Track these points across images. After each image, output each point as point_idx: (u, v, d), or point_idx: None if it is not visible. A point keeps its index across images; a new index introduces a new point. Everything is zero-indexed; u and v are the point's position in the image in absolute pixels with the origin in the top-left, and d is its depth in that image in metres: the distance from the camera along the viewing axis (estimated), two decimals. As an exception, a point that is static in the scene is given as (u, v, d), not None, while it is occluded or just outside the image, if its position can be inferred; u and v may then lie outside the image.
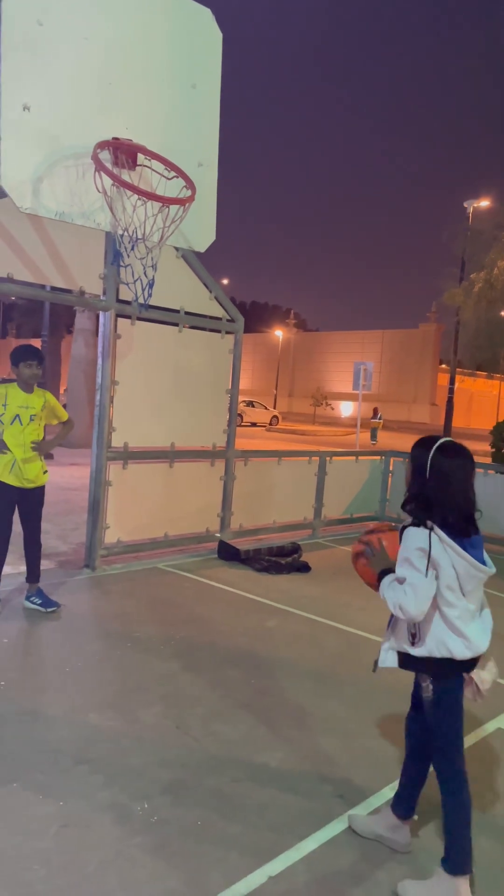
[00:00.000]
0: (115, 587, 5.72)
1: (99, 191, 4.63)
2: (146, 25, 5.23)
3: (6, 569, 5.24)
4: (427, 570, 2.37)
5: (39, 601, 4.98)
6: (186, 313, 6.57)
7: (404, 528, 2.49)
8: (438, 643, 2.45)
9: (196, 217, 5.71)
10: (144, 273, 5.16)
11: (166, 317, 6.42)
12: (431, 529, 2.38)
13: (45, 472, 4.99)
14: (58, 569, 6.12)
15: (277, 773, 3.21)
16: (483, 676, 2.52)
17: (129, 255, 5.09)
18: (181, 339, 6.58)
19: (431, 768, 2.66)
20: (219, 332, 6.92)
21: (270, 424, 36.96)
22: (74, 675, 4.02)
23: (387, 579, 2.53)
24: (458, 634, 2.44)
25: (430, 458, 2.44)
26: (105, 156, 4.82)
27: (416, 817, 2.79)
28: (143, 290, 5.11)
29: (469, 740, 3.61)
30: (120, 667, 4.22)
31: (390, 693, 4.13)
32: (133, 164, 4.97)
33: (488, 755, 3.56)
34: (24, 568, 5.08)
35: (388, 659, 2.61)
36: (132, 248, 4.99)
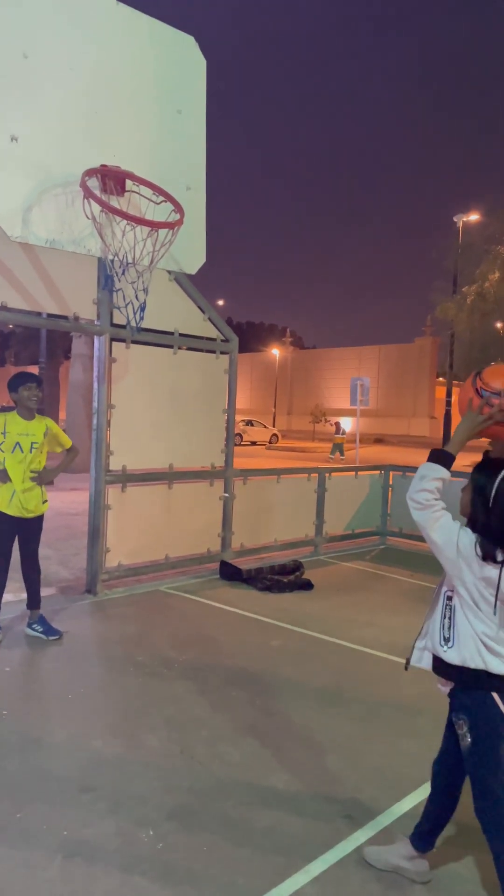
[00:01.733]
0: (118, 611, 5.69)
1: (88, 217, 4.68)
2: (131, 54, 5.33)
3: (7, 596, 5.23)
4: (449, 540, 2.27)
5: (41, 629, 4.96)
6: (181, 335, 6.61)
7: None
8: (473, 653, 2.33)
9: (186, 240, 5.76)
10: (136, 296, 5.20)
11: (161, 339, 6.46)
12: (502, 565, 2.24)
13: (45, 501, 4.97)
14: (59, 595, 6.09)
15: (284, 794, 3.17)
16: None
17: (120, 280, 5.13)
18: (176, 361, 6.61)
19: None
20: (213, 352, 6.95)
21: (270, 443, 36.99)
22: (77, 702, 3.99)
23: (427, 467, 2.36)
24: (492, 652, 2.32)
25: (495, 487, 2.26)
26: (94, 183, 4.88)
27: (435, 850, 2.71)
28: (136, 313, 5.14)
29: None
30: (123, 692, 4.18)
31: (397, 709, 4.10)
32: (122, 191, 5.03)
33: None
34: (25, 595, 5.06)
35: (423, 659, 2.51)
36: (123, 273, 5.03)
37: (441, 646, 2.41)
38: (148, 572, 6.61)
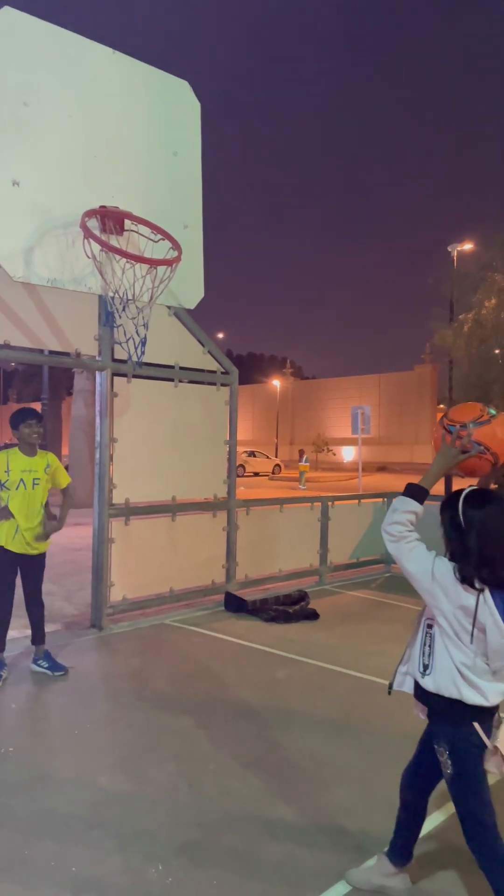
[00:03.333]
0: (123, 646, 5.68)
1: (88, 257, 4.80)
2: (127, 100, 5.52)
3: (13, 632, 5.23)
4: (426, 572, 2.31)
5: (47, 665, 4.94)
6: (181, 368, 6.69)
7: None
8: (448, 682, 2.36)
9: (185, 276, 5.88)
10: (136, 332, 5.29)
11: (162, 373, 6.54)
12: (482, 592, 2.26)
13: (48, 539, 4.99)
14: (64, 630, 6.08)
15: (293, 827, 3.14)
16: (501, 737, 2.36)
17: (121, 316, 5.23)
18: (177, 394, 6.69)
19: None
20: (214, 384, 7.03)
21: (273, 473, 37.00)
22: (84, 738, 3.97)
23: (400, 500, 2.45)
24: (468, 683, 2.34)
25: (461, 511, 2.32)
26: (93, 223, 5.01)
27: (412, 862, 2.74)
28: (137, 348, 5.23)
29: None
30: (130, 727, 4.16)
31: (406, 738, 4.05)
32: (121, 230, 5.16)
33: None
34: (30, 631, 5.06)
35: (406, 683, 2.56)
36: (124, 309, 5.14)
37: (420, 672, 2.46)
38: (152, 605, 6.59)
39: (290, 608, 6.70)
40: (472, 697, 2.34)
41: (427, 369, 49.78)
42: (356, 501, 9.02)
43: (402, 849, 2.71)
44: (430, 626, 2.44)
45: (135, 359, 5.36)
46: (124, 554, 6.25)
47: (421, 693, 2.49)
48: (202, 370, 6.92)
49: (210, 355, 6.95)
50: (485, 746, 2.36)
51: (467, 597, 2.28)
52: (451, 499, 2.40)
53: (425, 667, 2.43)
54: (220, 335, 59.52)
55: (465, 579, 2.28)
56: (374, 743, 4.02)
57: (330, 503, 8.48)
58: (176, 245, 5.20)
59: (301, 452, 29.09)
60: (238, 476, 26.42)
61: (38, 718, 4.28)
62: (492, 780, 2.48)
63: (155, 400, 6.50)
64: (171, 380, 6.63)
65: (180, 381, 6.71)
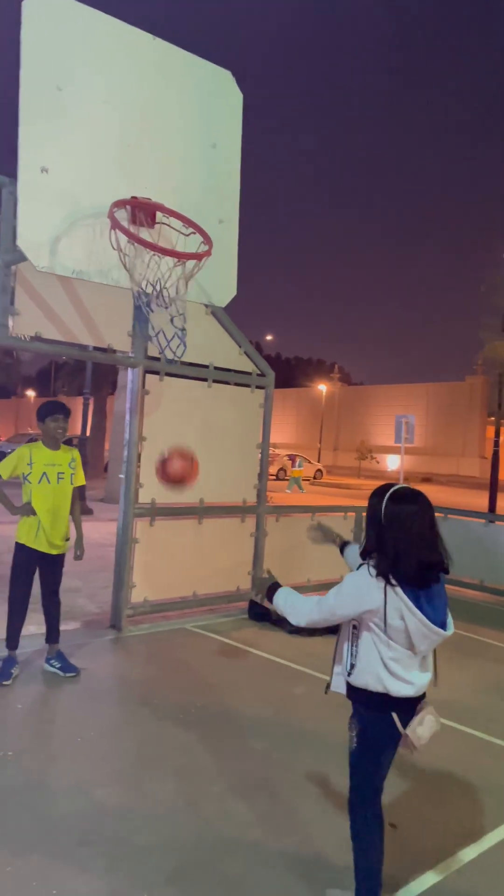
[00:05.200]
0: (140, 649, 5.55)
1: (114, 248, 4.67)
2: (166, 88, 5.39)
3: (30, 628, 5.17)
4: (351, 609, 2.43)
5: (59, 665, 4.84)
6: (216, 368, 6.55)
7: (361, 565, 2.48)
8: (375, 678, 2.44)
9: (218, 273, 5.73)
10: (171, 328, 5.16)
11: (195, 372, 6.41)
12: (389, 583, 2.35)
13: (67, 539, 4.89)
14: (83, 629, 5.99)
15: (294, 859, 2.94)
16: (419, 733, 2.47)
17: (150, 311, 5.12)
18: (210, 395, 6.54)
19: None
20: (249, 386, 6.87)
21: (314, 478, 36.67)
22: (87, 745, 3.84)
23: (282, 593, 2.68)
24: (394, 676, 2.42)
25: (383, 506, 2.41)
26: (123, 214, 4.89)
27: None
28: (167, 344, 5.09)
29: (475, 849, 3.30)
30: (135, 736, 4.02)
31: (425, 773, 3.83)
32: (152, 222, 5.03)
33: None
34: (37, 630, 4.96)
35: (339, 684, 2.61)
36: (148, 304, 5.01)
37: (347, 670, 2.54)
38: (174, 609, 6.46)
39: (316, 620, 6.47)
40: (398, 690, 2.43)
41: (478, 381, 48.72)
42: (392, 513, 8.72)
43: None
44: (355, 627, 2.51)
45: (169, 356, 5.22)
46: (148, 555, 6.13)
47: (350, 690, 2.55)
48: (237, 371, 6.77)
49: (246, 356, 6.80)
50: (398, 734, 2.46)
51: (380, 597, 2.36)
52: (378, 492, 2.49)
53: (352, 666, 2.51)
54: (269, 337, 59.54)
55: (380, 573, 2.36)
56: (391, 772, 3.78)
57: (364, 514, 8.20)
58: (207, 239, 5.04)
59: (293, 458, 27.97)
60: (278, 479, 26.13)
61: (42, 721, 4.17)
62: None
63: (187, 399, 6.37)
64: (205, 379, 6.49)
65: (214, 382, 6.56)
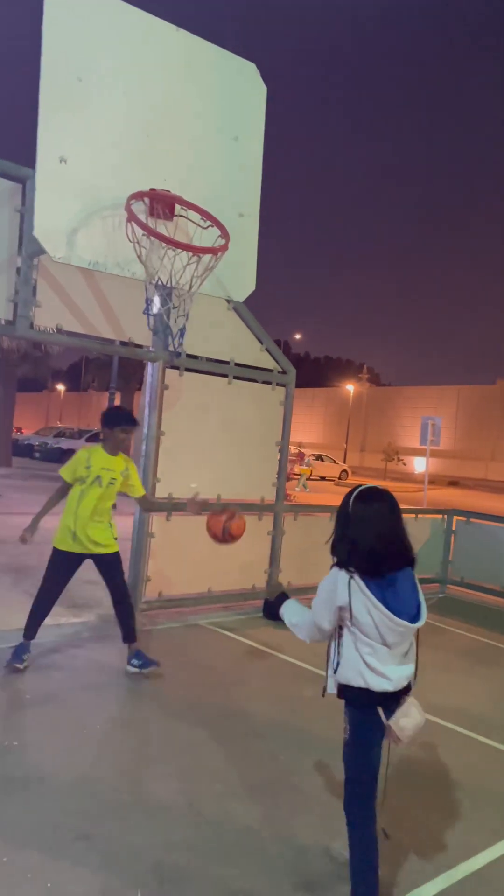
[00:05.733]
0: (152, 645, 5.53)
1: (130, 240, 4.65)
2: (189, 80, 5.34)
3: (47, 619, 5.18)
4: (329, 612, 2.55)
5: (139, 663, 4.79)
6: (236, 364, 6.50)
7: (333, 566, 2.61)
8: (356, 673, 2.53)
9: (236, 267, 5.68)
10: (175, 321, 5.13)
11: (215, 368, 6.37)
12: (351, 575, 2.49)
13: (115, 538, 4.86)
14: (98, 622, 5.98)
15: (293, 866, 2.89)
16: (402, 724, 2.54)
17: (162, 304, 5.10)
18: (230, 391, 6.50)
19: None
20: (270, 383, 6.81)
21: (340, 478, 36.47)
22: (91, 739, 3.82)
23: (288, 607, 2.86)
24: (372, 671, 2.51)
25: (350, 503, 2.58)
26: (140, 206, 4.86)
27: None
28: (174, 338, 5.06)
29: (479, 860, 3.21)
30: (141, 732, 4.00)
31: (434, 780, 3.75)
32: (170, 215, 5.00)
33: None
34: (65, 620, 4.97)
35: (332, 685, 2.66)
36: (160, 297, 4.99)
37: (333, 667, 2.62)
38: (189, 605, 6.43)
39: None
40: (377, 684, 2.51)
41: (510, 384, 48.03)
42: (413, 516, 8.61)
43: None
44: (339, 627, 2.60)
45: (171, 349, 5.21)
46: (163, 549, 6.11)
47: (338, 688, 2.63)
48: (258, 368, 6.71)
49: (268, 353, 6.74)
50: (384, 726, 2.55)
51: (345, 592, 2.49)
52: (350, 492, 2.64)
53: (337, 664, 2.60)
54: (298, 336, 59.27)
55: (341, 564, 2.53)
56: (399, 778, 3.70)
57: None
58: (224, 233, 4.99)
59: (301, 455, 27.49)
60: (310, 479, 25.80)
61: (49, 713, 4.16)
62: None
63: (206, 395, 6.34)
64: (225, 375, 6.45)
65: (234, 378, 6.52)
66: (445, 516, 8.91)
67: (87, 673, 4.77)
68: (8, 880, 2.61)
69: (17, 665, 4.59)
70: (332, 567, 2.60)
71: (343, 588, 2.49)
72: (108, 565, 4.81)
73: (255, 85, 5.68)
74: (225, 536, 4.34)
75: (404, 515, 8.67)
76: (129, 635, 4.88)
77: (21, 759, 3.51)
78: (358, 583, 2.48)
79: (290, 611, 2.83)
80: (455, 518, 8.88)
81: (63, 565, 4.72)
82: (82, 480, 4.65)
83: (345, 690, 2.60)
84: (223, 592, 6.65)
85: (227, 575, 6.63)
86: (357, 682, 2.53)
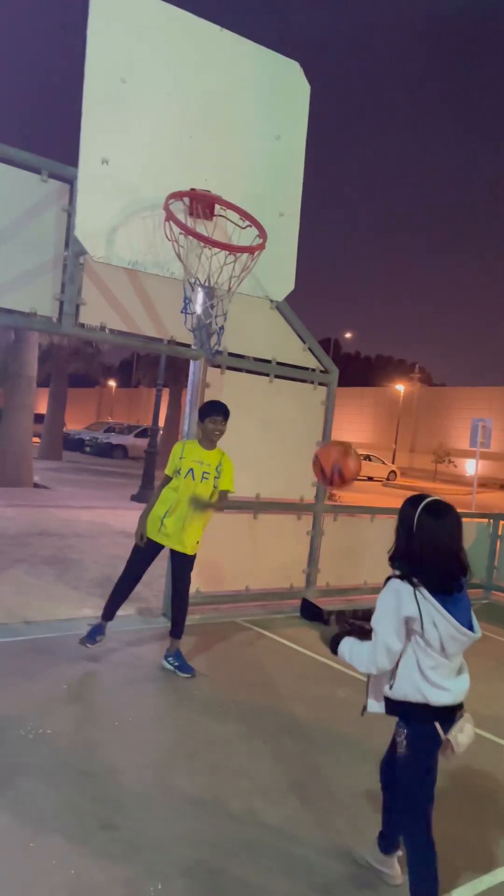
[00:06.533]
0: (188, 640, 5.56)
1: (169, 239, 4.69)
2: (231, 80, 5.35)
3: (86, 611, 5.24)
4: (396, 627, 2.46)
5: (176, 664, 4.86)
6: (278, 363, 6.50)
7: (389, 578, 2.55)
8: (414, 688, 2.48)
9: (276, 266, 5.67)
10: (219, 319, 5.15)
11: (257, 367, 6.39)
12: (416, 587, 2.44)
13: (198, 542, 4.92)
14: (136, 615, 6.07)
15: (315, 868, 2.88)
16: (460, 740, 2.52)
17: (200, 303, 5.14)
18: (271, 390, 6.51)
19: None
20: (312, 383, 6.79)
21: (388, 479, 36.07)
22: (123, 732, 3.88)
23: (345, 644, 2.72)
24: (432, 685, 2.47)
25: (416, 516, 2.51)
26: (179, 206, 4.91)
27: (400, 853, 2.81)
28: (210, 337, 5.09)
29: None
30: (172, 727, 4.04)
31: (463, 787, 3.69)
32: (210, 215, 5.03)
33: None
34: (100, 613, 5.05)
35: (375, 704, 2.65)
36: (199, 297, 5.02)
37: (387, 684, 2.56)
38: (226, 602, 6.47)
39: (368, 624, 6.34)
40: (438, 699, 2.48)
41: None
42: (457, 519, 8.45)
43: (385, 836, 2.85)
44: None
45: (209, 348, 5.23)
46: (202, 547, 6.13)
47: (390, 705, 2.59)
48: (300, 367, 6.70)
49: (310, 352, 6.72)
50: (441, 741, 2.51)
51: (413, 604, 2.43)
52: (412, 501, 2.59)
53: (393, 681, 2.54)
54: (348, 335, 58.74)
55: (405, 577, 2.46)
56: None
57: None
58: (262, 233, 4.99)
59: None
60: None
61: (84, 703, 4.24)
62: None
63: (247, 394, 6.36)
64: (267, 374, 6.46)
65: (276, 377, 6.52)
66: (491, 521, 8.73)
67: (124, 666, 4.84)
68: (34, 866, 2.67)
69: (88, 644, 4.78)
70: (389, 579, 2.54)
71: (409, 599, 2.43)
72: (183, 563, 4.90)
73: (298, 83, 5.66)
74: (333, 477, 3.56)
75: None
76: (175, 631, 4.95)
77: (52, 748, 3.58)
78: (424, 594, 2.43)
79: (347, 645, 2.70)
80: (501, 522, 8.70)
81: (144, 551, 4.81)
82: (178, 472, 4.72)
83: (399, 706, 2.56)
84: (260, 591, 6.67)
85: (265, 574, 6.64)
86: (415, 697, 2.50)
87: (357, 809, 3.36)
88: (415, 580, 2.45)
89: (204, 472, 4.72)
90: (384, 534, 7.64)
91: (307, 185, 5.85)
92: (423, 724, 2.52)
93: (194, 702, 4.38)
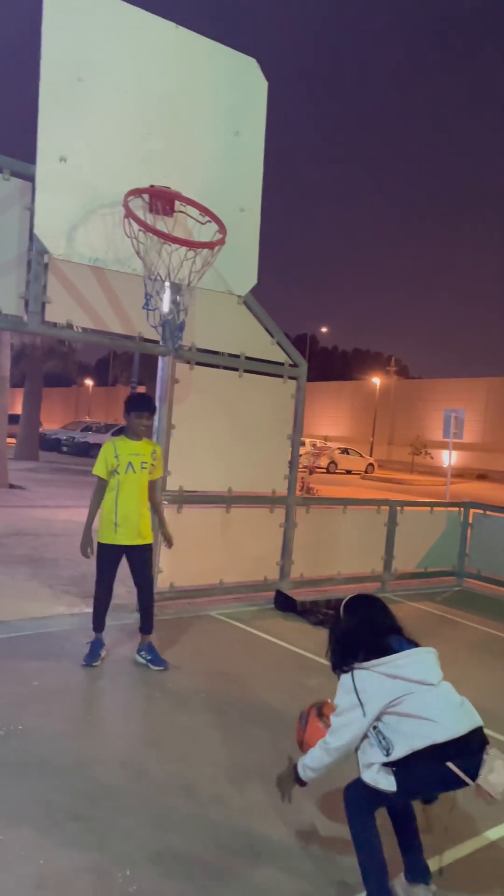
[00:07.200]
0: (161, 634, 5.62)
1: (128, 236, 4.73)
2: (188, 77, 5.38)
3: (60, 608, 5.26)
4: (360, 708, 2.50)
5: (149, 657, 4.91)
6: (247, 358, 6.55)
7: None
8: (415, 737, 2.42)
9: (238, 261, 5.72)
10: (180, 315, 5.18)
11: (226, 362, 6.43)
12: (353, 670, 2.56)
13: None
14: (110, 611, 6.08)
15: (280, 848, 2.95)
16: (492, 781, 2.37)
17: (162, 299, 5.17)
18: (241, 384, 6.55)
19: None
20: (281, 377, 6.85)
21: (366, 472, 36.31)
22: (94, 725, 3.93)
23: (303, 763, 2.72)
24: (430, 721, 2.43)
25: (341, 614, 2.78)
26: (139, 203, 4.93)
27: (434, 888, 2.69)
28: (174, 332, 5.12)
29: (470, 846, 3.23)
30: (143, 718, 4.09)
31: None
32: (171, 211, 5.06)
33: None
34: (77, 610, 5.09)
35: (381, 781, 2.48)
36: (158, 293, 5.05)
37: (384, 759, 2.47)
38: (201, 596, 6.52)
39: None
40: (440, 733, 2.40)
41: (541, 375, 47.22)
42: (428, 509, 8.58)
43: (409, 864, 2.70)
44: (374, 728, 2.53)
45: (170, 345, 5.27)
46: (175, 541, 6.17)
47: (401, 773, 2.46)
48: (269, 361, 6.75)
49: (279, 346, 6.77)
50: (451, 781, 2.42)
51: (380, 686, 2.52)
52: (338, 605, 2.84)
53: (387, 749, 2.47)
54: (324, 329, 58.94)
55: (347, 668, 2.59)
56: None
57: (399, 508, 8.10)
58: (222, 228, 5.04)
59: (321, 449, 27.34)
60: (329, 473, 26.02)
61: (54, 699, 4.26)
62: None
63: (217, 389, 6.40)
64: (236, 369, 6.51)
65: (245, 371, 6.57)
66: (462, 509, 8.87)
67: (95, 663, 4.87)
68: (2, 858, 2.71)
69: (94, 663, 4.76)
70: (340, 679, 2.62)
71: (376, 684, 2.51)
72: (144, 556, 4.91)
73: (255, 79, 5.70)
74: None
75: (420, 508, 8.81)
76: (146, 626, 4.98)
77: (22, 743, 3.61)
78: (364, 667, 2.54)
79: (308, 761, 2.68)
80: (472, 511, 8.83)
81: (109, 558, 4.82)
82: (117, 471, 4.74)
83: (406, 762, 2.44)
84: (234, 584, 6.72)
85: (239, 567, 6.70)
86: (423, 742, 2.40)
87: (322, 793, 3.43)
88: (354, 665, 2.57)
89: (142, 463, 4.76)
90: (356, 524, 7.76)
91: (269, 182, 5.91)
92: (433, 766, 2.41)
93: (166, 694, 4.43)
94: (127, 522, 4.75)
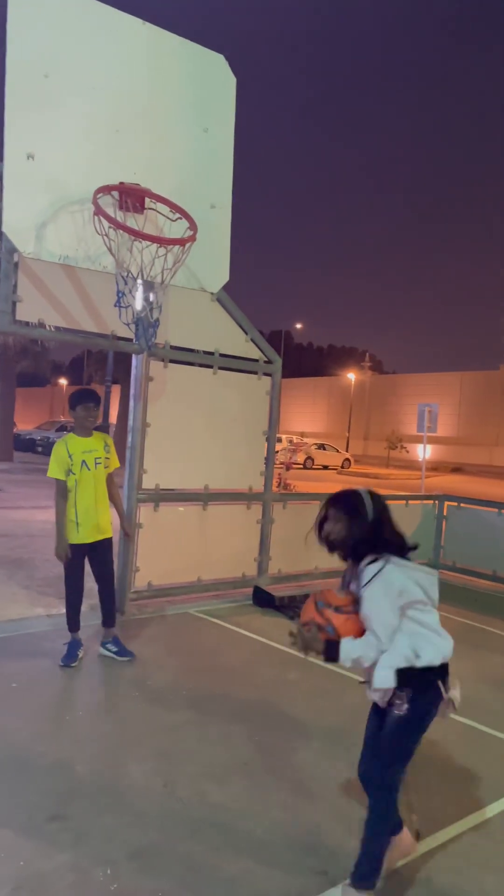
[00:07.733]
0: (140, 632, 5.62)
1: (99, 234, 4.71)
2: (157, 73, 5.37)
3: (38, 609, 5.20)
4: (392, 604, 2.54)
5: (115, 649, 4.92)
6: (221, 355, 6.55)
7: (360, 569, 2.63)
8: (436, 650, 2.52)
9: (210, 258, 5.73)
10: (150, 312, 5.17)
11: (200, 359, 6.42)
12: (388, 561, 2.59)
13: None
14: (89, 611, 6.05)
15: (261, 841, 2.97)
16: (455, 696, 2.65)
17: (134, 297, 5.15)
18: (216, 381, 6.56)
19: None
20: (256, 373, 6.86)
21: (342, 467, 36.49)
22: (73, 725, 3.91)
23: (355, 642, 2.59)
24: (441, 636, 2.55)
25: (367, 503, 2.73)
26: (109, 200, 4.92)
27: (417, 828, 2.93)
28: (146, 330, 5.11)
29: (476, 819, 3.29)
30: (122, 717, 4.08)
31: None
32: (141, 208, 5.05)
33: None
34: (55, 611, 5.05)
35: (388, 678, 2.54)
36: (131, 291, 5.04)
37: (412, 656, 2.54)
38: (179, 594, 6.52)
39: (319, 608, 6.47)
40: (448, 649, 2.57)
41: (513, 369, 47.86)
42: (403, 502, 8.66)
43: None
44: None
45: (143, 343, 5.25)
46: (152, 540, 6.18)
47: (405, 677, 2.55)
48: (243, 358, 6.76)
49: (253, 343, 6.79)
50: (440, 698, 2.61)
51: (406, 580, 2.58)
52: (350, 494, 2.80)
53: (416, 652, 2.51)
54: (299, 326, 58.94)
55: (373, 559, 2.60)
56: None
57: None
58: (192, 224, 5.04)
59: (297, 446, 27.58)
60: (306, 468, 26.13)
61: (33, 700, 4.25)
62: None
63: (192, 386, 6.40)
64: (210, 366, 6.50)
65: (220, 369, 6.57)
66: (437, 502, 8.96)
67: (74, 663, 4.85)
68: (-19, 858, 2.69)
69: (72, 664, 4.73)
70: (367, 565, 2.59)
71: (395, 573, 2.56)
72: (105, 549, 4.91)
73: (224, 76, 5.70)
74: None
75: (395, 502, 8.85)
76: (107, 620, 4.97)
77: (2, 744, 3.59)
78: (395, 560, 2.60)
79: (349, 646, 2.59)
80: (446, 503, 8.93)
81: (75, 558, 4.80)
82: (72, 471, 4.72)
83: (414, 673, 2.52)
84: (213, 581, 6.73)
85: (217, 564, 6.71)
86: (437, 658, 2.53)
87: (301, 786, 3.46)
88: (384, 554, 2.61)
89: (97, 459, 4.75)
90: (332, 519, 7.75)
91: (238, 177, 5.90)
92: (429, 686, 2.59)
93: (143, 693, 4.43)
94: (87, 520, 4.75)
